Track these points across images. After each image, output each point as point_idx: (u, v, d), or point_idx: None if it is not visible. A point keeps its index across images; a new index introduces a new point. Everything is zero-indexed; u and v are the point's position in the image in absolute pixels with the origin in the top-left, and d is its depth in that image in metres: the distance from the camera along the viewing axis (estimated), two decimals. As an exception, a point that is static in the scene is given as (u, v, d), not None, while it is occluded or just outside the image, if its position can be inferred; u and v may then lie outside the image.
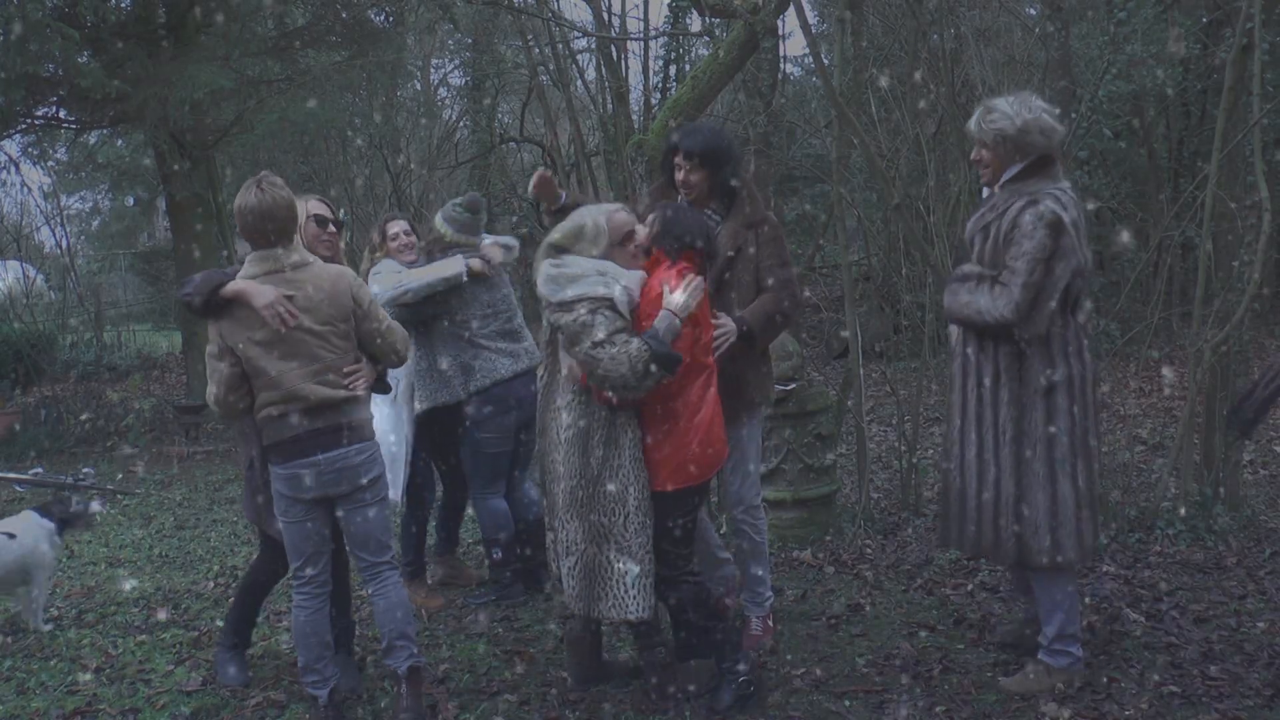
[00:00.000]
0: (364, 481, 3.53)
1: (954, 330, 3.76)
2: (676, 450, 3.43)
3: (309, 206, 3.92)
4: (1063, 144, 3.56)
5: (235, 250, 4.27)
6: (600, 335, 3.25)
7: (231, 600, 4.21)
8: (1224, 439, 5.24)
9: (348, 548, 3.70)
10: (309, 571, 3.57)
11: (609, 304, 3.32)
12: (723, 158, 3.82)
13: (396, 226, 4.83)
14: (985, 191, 3.66)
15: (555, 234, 3.51)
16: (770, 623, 4.18)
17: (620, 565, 3.40)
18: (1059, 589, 3.57)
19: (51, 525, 4.82)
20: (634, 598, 3.40)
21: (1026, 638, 3.86)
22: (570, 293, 3.34)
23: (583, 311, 3.29)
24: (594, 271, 3.37)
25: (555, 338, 3.51)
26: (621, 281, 3.37)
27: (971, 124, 3.59)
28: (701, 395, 3.47)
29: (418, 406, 4.77)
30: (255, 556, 4.14)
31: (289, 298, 3.39)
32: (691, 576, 3.57)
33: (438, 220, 4.78)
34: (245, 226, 3.41)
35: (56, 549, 4.86)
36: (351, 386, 3.53)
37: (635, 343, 3.25)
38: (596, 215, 3.49)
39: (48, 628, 4.73)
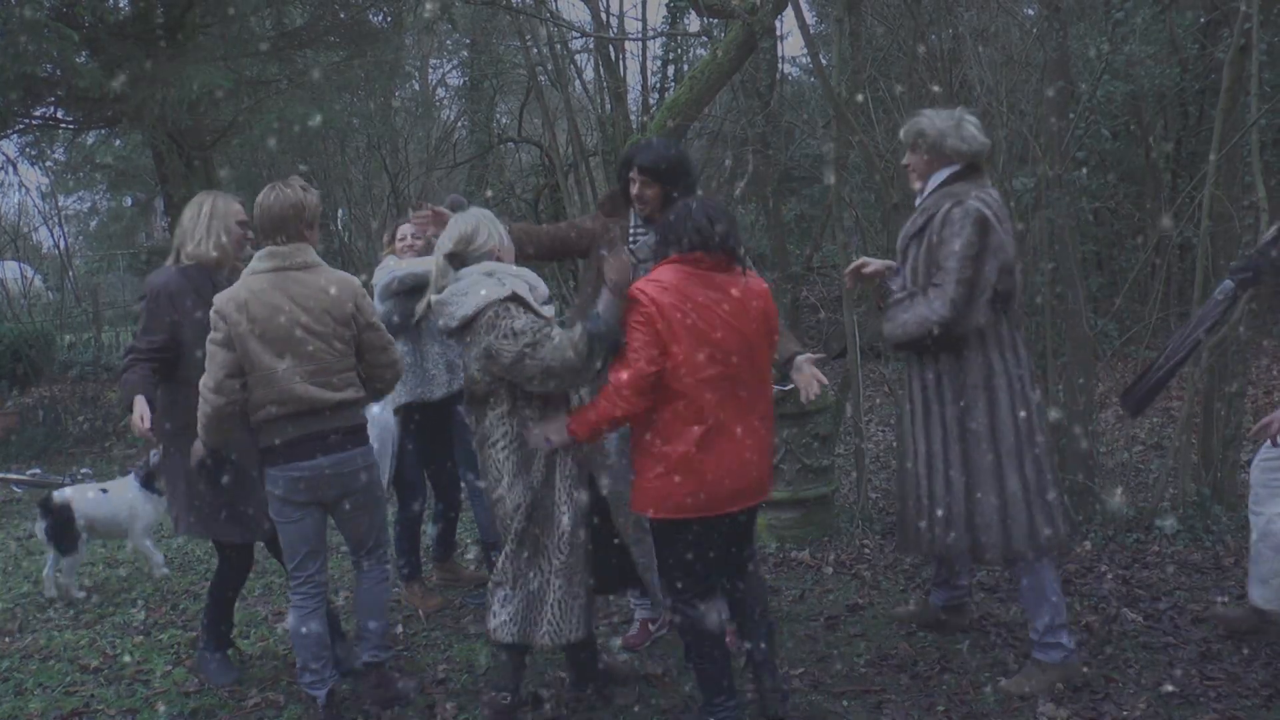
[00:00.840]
0: (358, 485, 3.56)
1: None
2: (639, 475, 3.26)
3: (233, 209, 3.92)
4: (983, 154, 3.74)
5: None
6: (527, 338, 3.15)
7: (204, 606, 4.22)
8: (1219, 439, 5.25)
9: (344, 541, 3.74)
10: (305, 571, 3.58)
11: (514, 301, 3.24)
12: (676, 175, 3.78)
13: (406, 229, 4.90)
14: (918, 200, 3.79)
15: (447, 243, 3.37)
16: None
17: (555, 585, 3.31)
18: (1039, 583, 3.61)
19: (138, 484, 5.38)
20: (568, 620, 3.33)
21: (941, 621, 4.15)
22: (469, 307, 3.22)
23: (495, 334, 3.17)
24: (481, 275, 3.28)
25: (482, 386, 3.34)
26: (513, 275, 3.30)
27: (901, 132, 3.80)
28: (676, 424, 3.16)
29: (396, 400, 4.77)
30: (216, 566, 4.14)
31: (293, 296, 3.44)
32: (684, 609, 3.29)
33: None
34: (256, 222, 3.55)
35: (154, 503, 5.38)
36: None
37: (566, 331, 3.16)
38: (472, 212, 3.44)
39: (163, 571, 5.47)
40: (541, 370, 3.16)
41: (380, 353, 3.59)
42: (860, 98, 5.98)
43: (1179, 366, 3.72)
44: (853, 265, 3.82)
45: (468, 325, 3.25)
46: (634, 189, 3.83)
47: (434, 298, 3.34)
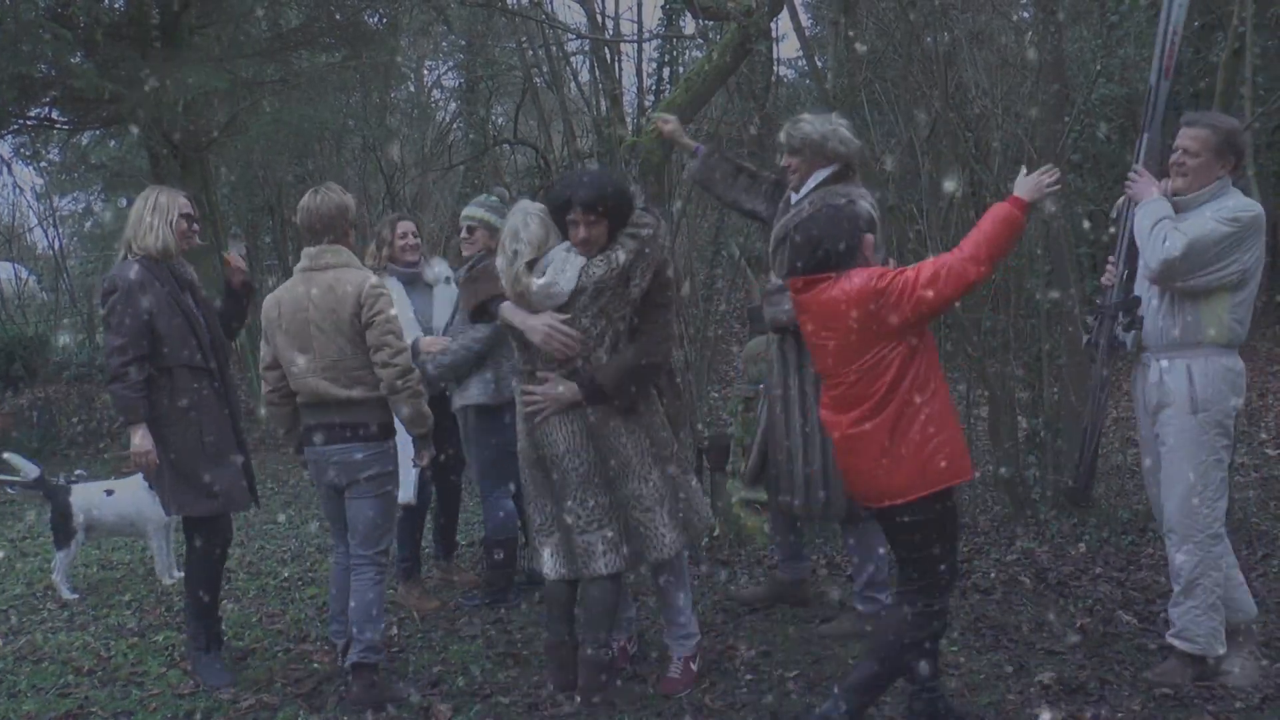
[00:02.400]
0: (361, 477, 3.75)
1: (773, 339, 4.19)
2: None
3: (179, 204, 4.01)
4: (857, 156, 4.02)
5: (229, 251, 4.36)
6: (620, 258, 3.49)
7: (184, 597, 4.17)
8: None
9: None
10: (340, 546, 3.97)
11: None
12: (623, 206, 3.56)
13: (405, 227, 4.94)
14: (793, 197, 4.06)
15: (527, 252, 3.55)
16: (693, 666, 3.81)
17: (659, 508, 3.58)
18: (869, 539, 4.00)
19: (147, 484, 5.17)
20: (671, 534, 3.60)
21: (787, 590, 4.48)
22: (572, 280, 3.50)
23: (599, 274, 3.48)
24: (565, 252, 3.56)
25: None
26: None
27: (782, 135, 4.05)
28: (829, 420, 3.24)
29: (457, 402, 4.76)
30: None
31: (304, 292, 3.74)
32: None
33: (481, 213, 4.72)
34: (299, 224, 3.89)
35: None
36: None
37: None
38: (531, 210, 3.62)
39: (170, 581, 5.36)
40: (642, 242, 3.53)
41: (376, 351, 3.69)
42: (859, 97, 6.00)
43: (1100, 436, 3.91)
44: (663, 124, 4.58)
45: (576, 294, 3.51)
46: (579, 232, 3.50)
47: (539, 282, 3.51)
